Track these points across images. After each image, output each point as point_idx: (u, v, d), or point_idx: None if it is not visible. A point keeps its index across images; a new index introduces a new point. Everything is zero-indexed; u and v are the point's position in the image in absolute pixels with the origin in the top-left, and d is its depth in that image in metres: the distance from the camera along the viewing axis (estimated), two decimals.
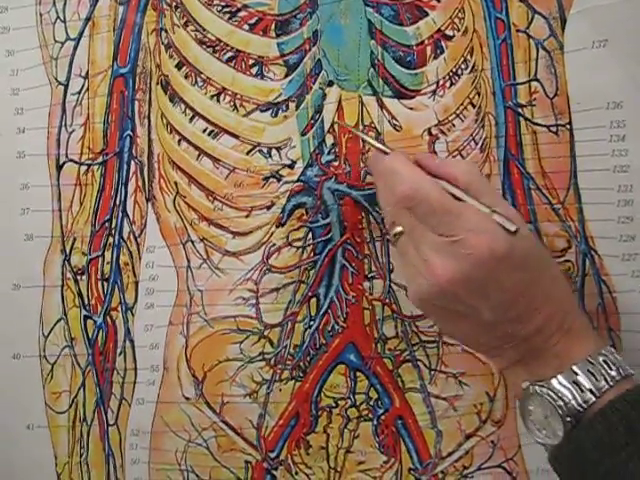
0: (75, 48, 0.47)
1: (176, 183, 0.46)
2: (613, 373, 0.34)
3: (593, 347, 0.36)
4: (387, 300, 0.45)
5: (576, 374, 0.35)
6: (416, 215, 0.35)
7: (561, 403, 0.35)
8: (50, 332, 0.48)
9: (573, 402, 0.35)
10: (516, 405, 0.44)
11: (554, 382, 0.35)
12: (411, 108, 0.45)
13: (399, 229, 0.37)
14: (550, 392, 0.35)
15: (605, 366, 0.35)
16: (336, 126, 0.45)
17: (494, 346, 0.37)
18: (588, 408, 0.34)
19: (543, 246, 0.41)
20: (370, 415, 0.46)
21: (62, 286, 0.48)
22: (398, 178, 0.36)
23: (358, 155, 0.45)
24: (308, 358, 0.46)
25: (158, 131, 0.47)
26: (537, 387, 0.36)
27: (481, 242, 0.34)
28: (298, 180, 0.45)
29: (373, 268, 0.45)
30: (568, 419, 0.35)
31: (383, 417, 0.45)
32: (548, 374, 0.36)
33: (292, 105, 0.45)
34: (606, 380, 0.34)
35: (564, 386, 0.35)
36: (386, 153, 0.39)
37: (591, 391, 0.34)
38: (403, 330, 0.45)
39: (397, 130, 0.45)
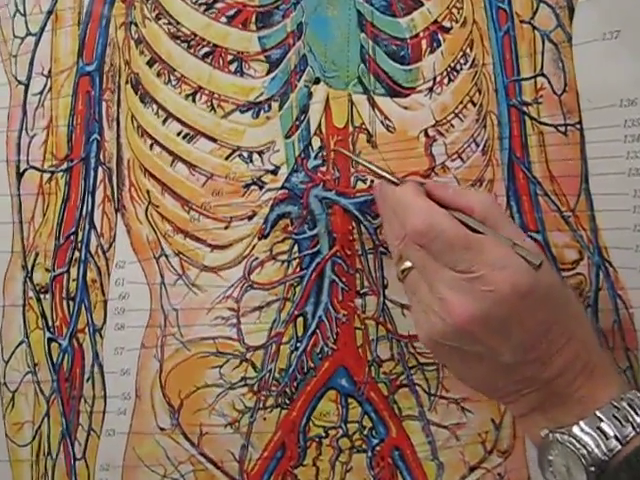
0: (36, 44, 0.45)
1: (148, 191, 0.44)
2: (639, 419, 0.33)
3: (617, 390, 0.34)
4: (381, 319, 0.43)
5: (600, 420, 0.33)
6: (430, 251, 0.35)
7: (584, 452, 0.33)
8: (11, 357, 0.46)
9: (597, 451, 0.33)
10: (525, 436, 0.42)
11: (576, 429, 0.34)
12: (406, 107, 0.43)
13: (408, 264, 0.36)
14: (572, 440, 0.34)
15: (631, 411, 0.33)
16: (323, 128, 0.43)
17: (512, 391, 0.36)
18: (613, 457, 0.33)
19: (563, 280, 0.40)
20: (364, 446, 0.43)
21: (24, 306, 0.46)
22: (410, 211, 0.35)
23: (348, 160, 0.43)
24: (295, 383, 0.43)
25: (128, 134, 0.45)
26: (558, 435, 0.34)
27: (503, 278, 0.33)
28: (282, 187, 0.43)
29: (366, 283, 0.43)
30: (592, 469, 0.33)
31: (378, 448, 0.43)
32: (570, 420, 0.34)
33: (275, 105, 0.44)
34: (633, 426, 0.33)
35: (587, 433, 0.33)
36: (396, 184, 0.38)
37: (616, 438, 0.33)
38: (399, 352, 0.43)
39: (390, 131, 0.43)
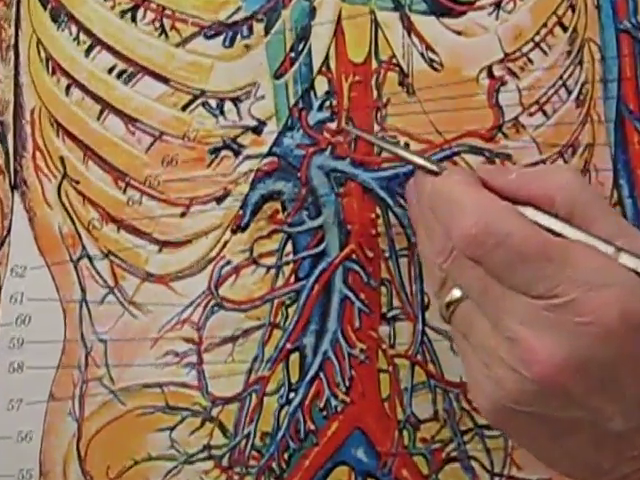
0: None
1: (62, 159, 0.38)
2: None
3: None
4: (419, 357, 0.37)
5: None
6: (489, 268, 0.29)
7: None
8: None
9: None
10: None
11: None
12: (459, 32, 0.37)
13: (457, 294, 0.31)
14: None
15: None
16: (333, 63, 0.36)
17: (625, 475, 0.31)
18: None
19: None
20: None
21: None
22: (458, 210, 0.30)
23: (371, 110, 0.37)
24: (286, 455, 0.37)
25: (32, 71, 0.38)
26: None
27: (605, 302, 0.28)
28: (269, 153, 0.37)
29: (395, 302, 0.37)
30: None
31: None
32: None
33: (259, 27, 0.37)
34: None
35: None
36: (435, 173, 0.33)
37: None
38: (447, 407, 0.37)
39: (435, 69, 0.36)
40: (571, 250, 0.29)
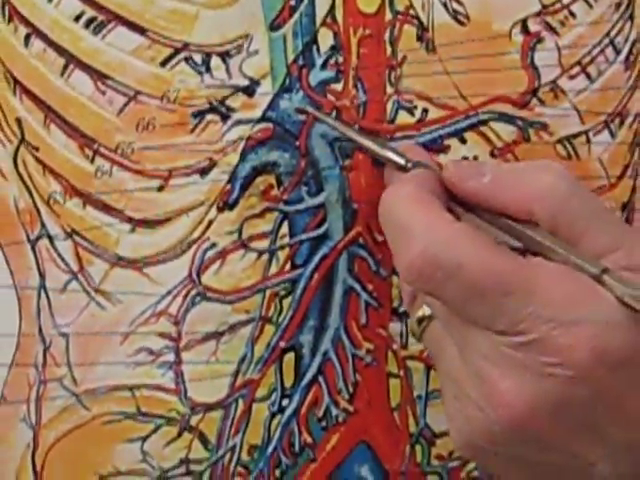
0: None
1: (19, 121, 0.34)
2: None
3: None
4: None
5: None
6: (444, 301, 0.27)
7: None
8: None
9: None
10: None
11: None
12: None
13: (428, 311, 0.29)
14: None
15: None
16: (339, 13, 0.32)
17: None
18: None
19: None
20: None
21: None
22: (403, 235, 0.28)
23: (383, 70, 0.33)
24: (278, 473, 0.34)
25: None
26: None
27: (575, 341, 0.26)
28: (263, 118, 0.33)
29: None
30: None
31: None
32: None
33: None
34: None
35: None
36: (403, 168, 0.30)
37: None
38: None
39: (461, 23, 0.33)
40: (535, 281, 0.26)
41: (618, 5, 0.35)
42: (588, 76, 0.34)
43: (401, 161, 0.31)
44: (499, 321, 0.27)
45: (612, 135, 0.33)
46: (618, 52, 0.35)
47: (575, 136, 0.32)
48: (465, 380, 0.28)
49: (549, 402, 0.27)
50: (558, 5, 0.34)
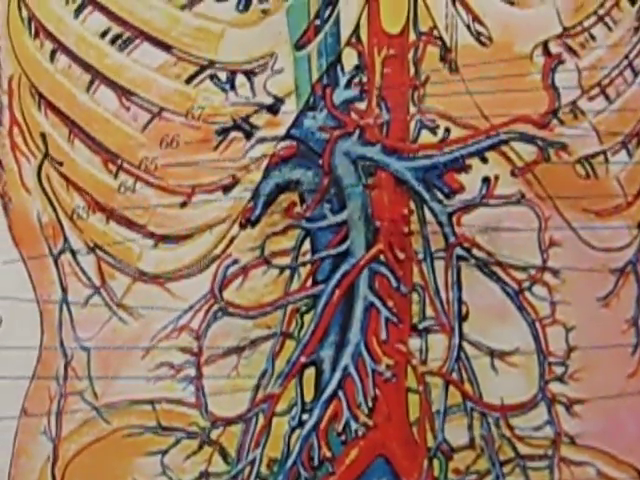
0: None
1: (44, 136, 0.35)
2: None
3: None
4: (454, 375, 0.34)
5: None
6: None
7: None
8: None
9: None
10: None
11: None
12: (512, 2, 0.34)
13: None
14: None
15: None
16: (364, 33, 0.33)
17: None
18: None
19: None
20: None
21: None
22: None
23: (407, 90, 0.34)
24: None
25: (11, 32, 0.35)
26: None
27: None
28: (287, 137, 0.34)
29: (428, 312, 0.35)
30: None
31: None
32: None
33: None
34: None
35: None
36: None
37: None
38: (485, 434, 0.34)
39: (483, 44, 0.34)
40: None
41: (637, 29, 0.35)
42: (607, 97, 0.35)
43: None
44: None
45: (630, 155, 0.33)
46: (636, 74, 0.35)
47: (594, 156, 0.33)
48: None
49: None
50: (579, 28, 0.35)
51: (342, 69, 0.35)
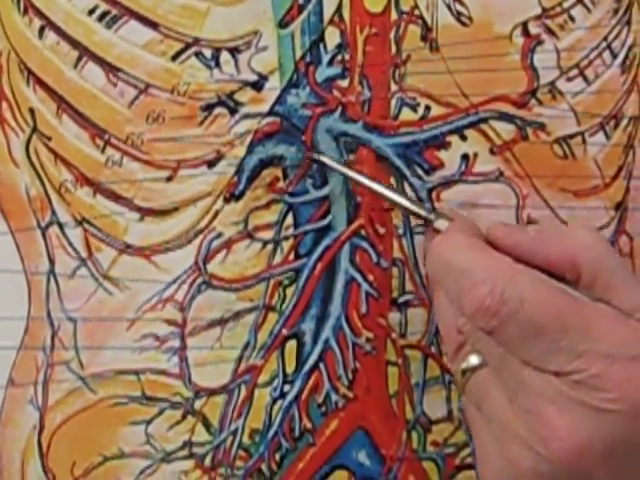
0: None
1: (32, 111, 0.35)
2: None
3: None
4: (433, 348, 0.35)
5: None
6: (504, 340, 0.28)
7: None
8: None
9: None
10: None
11: None
12: None
13: (475, 361, 0.29)
14: None
15: None
16: (346, 12, 0.33)
17: None
18: None
19: None
20: None
21: None
22: (466, 279, 0.28)
23: (388, 68, 0.34)
24: (277, 456, 0.35)
25: (0, 8, 0.34)
26: None
27: (632, 376, 0.26)
28: (270, 113, 0.34)
29: (408, 286, 0.35)
30: None
31: None
32: None
33: None
34: None
35: None
36: (426, 220, 0.30)
37: None
38: (462, 407, 0.34)
39: (463, 24, 0.34)
40: (593, 319, 0.27)
41: (616, 10, 0.35)
42: (585, 79, 0.35)
43: (422, 212, 0.31)
44: (556, 358, 0.27)
45: (607, 137, 0.33)
46: (615, 56, 0.35)
47: (571, 136, 0.33)
48: (514, 420, 0.28)
49: (604, 441, 0.27)
50: (558, 9, 0.35)
51: (325, 47, 0.35)
